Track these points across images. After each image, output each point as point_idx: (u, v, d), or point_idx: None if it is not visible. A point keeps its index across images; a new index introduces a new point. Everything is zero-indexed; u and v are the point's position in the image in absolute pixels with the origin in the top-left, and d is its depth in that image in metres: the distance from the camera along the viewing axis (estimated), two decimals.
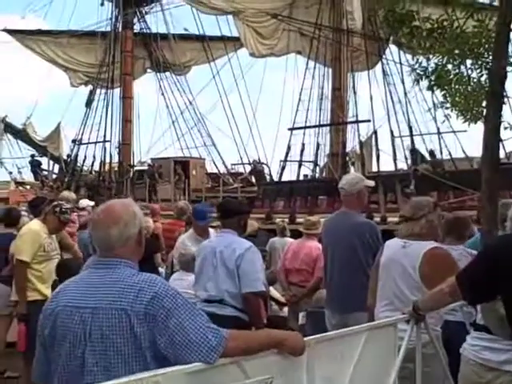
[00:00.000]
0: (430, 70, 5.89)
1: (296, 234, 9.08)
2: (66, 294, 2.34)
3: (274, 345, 2.36)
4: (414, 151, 19.86)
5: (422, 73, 5.94)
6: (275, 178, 22.76)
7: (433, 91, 6.60)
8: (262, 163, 23.80)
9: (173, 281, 5.77)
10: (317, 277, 6.38)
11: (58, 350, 2.28)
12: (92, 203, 9.82)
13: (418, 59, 6.25)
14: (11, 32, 27.40)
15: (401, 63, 21.10)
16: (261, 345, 2.34)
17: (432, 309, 3.44)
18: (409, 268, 3.75)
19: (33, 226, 5.83)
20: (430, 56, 6.12)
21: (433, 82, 5.92)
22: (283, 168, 22.08)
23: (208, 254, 4.58)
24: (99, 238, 2.37)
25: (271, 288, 6.87)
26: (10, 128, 27.35)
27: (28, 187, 28.12)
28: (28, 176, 28.09)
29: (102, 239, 2.35)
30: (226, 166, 26.63)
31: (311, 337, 2.66)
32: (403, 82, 20.87)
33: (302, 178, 22.04)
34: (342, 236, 4.87)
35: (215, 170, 26.40)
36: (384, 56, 22.08)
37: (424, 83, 6.40)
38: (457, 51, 5.79)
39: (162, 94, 28.28)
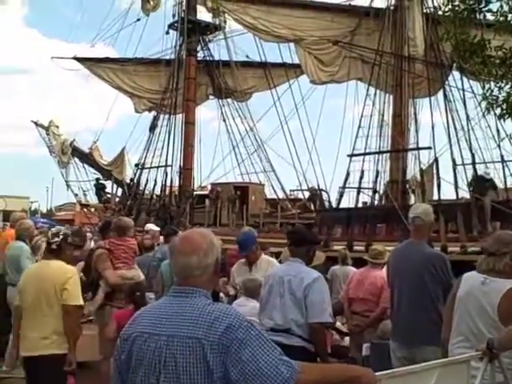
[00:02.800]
0: (501, 98, 5.77)
1: (355, 263, 9.05)
2: (143, 320, 2.39)
3: (347, 380, 2.33)
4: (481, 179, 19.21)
5: (493, 101, 5.82)
6: (334, 205, 22.61)
7: (504, 120, 6.45)
8: (321, 189, 23.67)
9: (235, 306, 5.79)
10: (382, 307, 6.29)
11: (134, 375, 2.31)
12: (157, 228, 9.96)
13: (489, 87, 6.12)
14: (80, 60, 28.40)
15: (463, 90, 20.82)
16: (334, 379, 2.32)
17: (508, 348, 3.33)
18: (487, 306, 3.63)
19: (72, 267, 5.40)
20: (502, 84, 6.00)
21: (504, 111, 5.78)
22: (341, 195, 21.90)
23: (275, 282, 4.57)
24: (178, 266, 2.41)
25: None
26: (77, 152, 28.18)
27: (92, 209, 28.89)
28: (93, 199, 28.85)
29: (181, 267, 2.39)
30: (284, 192, 26.69)
31: (383, 372, 2.62)
32: (466, 109, 20.55)
33: (360, 205, 21.78)
34: (411, 267, 4.77)
35: (274, 196, 26.50)
36: (447, 82, 21.78)
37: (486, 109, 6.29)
38: None
39: (224, 119, 28.73)
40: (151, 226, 10.18)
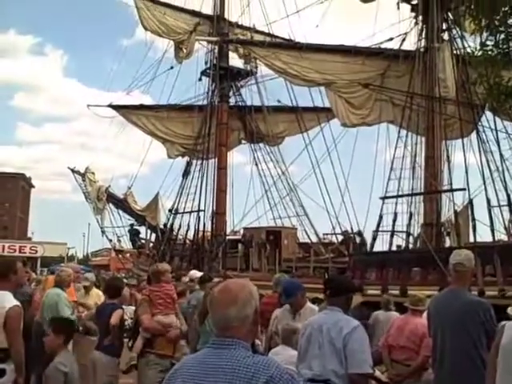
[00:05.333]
0: None
1: None
2: (184, 371, 2.38)
3: None
4: None
5: None
6: (367, 248, 22.33)
7: None
8: (354, 233, 23.45)
9: (271, 354, 5.72)
10: (423, 355, 6.11)
11: None
12: (198, 274, 9.93)
13: None
14: (115, 107, 29.12)
15: (497, 130, 20.61)
16: None
17: None
18: None
19: None
20: None
21: None
22: (375, 238, 21.63)
23: (314, 331, 4.49)
24: (217, 318, 2.41)
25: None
26: (112, 198, 28.64)
27: (128, 255, 29.13)
28: (127, 244, 29.10)
29: (220, 319, 2.39)
30: (317, 236, 26.52)
31: None
32: (500, 149, 20.31)
33: (394, 248, 21.45)
34: (454, 315, 4.67)
35: (307, 240, 26.34)
36: (479, 123, 21.59)
37: None
38: None
39: (256, 164, 29.06)
40: (194, 272, 10.21)
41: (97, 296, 9.68)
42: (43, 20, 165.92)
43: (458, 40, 22.28)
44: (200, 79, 28.77)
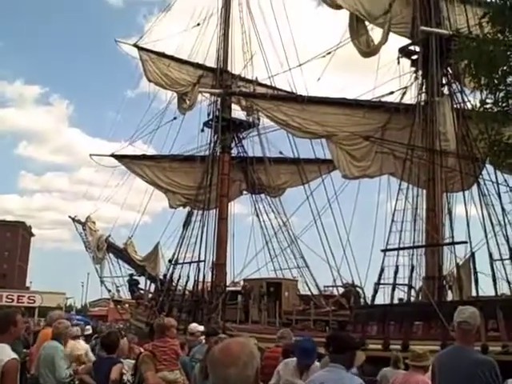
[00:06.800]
0: None
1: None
2: None
3: None
4: None
5: None
6: (369, 301, 22.06)
7: None
8: (356, 286, 23.23)
9: None
10: None
11: None
12: (198, 328, 9.80)
13: None
14: (118, 157, 29.36)
15: (498, 183, 20.65)
16: None
17: None
18: None
19: None
20: None
21: None
22: (376, 291, 21.38)
23: None
24: (217, 378, 2.36)
25: None
26: (112, 248, 28.54)
27: (126, 305, 28.83)
28: (126, 294, 28.82)
29: (220, 380, 2.34)
30: (318, 288, 26.30)
31: None
32: (501, 203, 20.31)
33: (396, 301, 21.17)
34: (460, 374, 4.59)
35: (308, 292, 26.08)
36: (480, 176, 21.64)
37: None
38: None
39: (257, 215, 29.05)
40: (195, 326, 10.07)
41: (74, 347, 9.49)
42: (50, 71, 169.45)
43: (458, 94, 22.56)
44: (202, 130, 29.11)
